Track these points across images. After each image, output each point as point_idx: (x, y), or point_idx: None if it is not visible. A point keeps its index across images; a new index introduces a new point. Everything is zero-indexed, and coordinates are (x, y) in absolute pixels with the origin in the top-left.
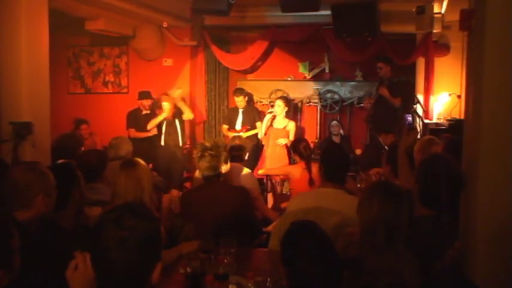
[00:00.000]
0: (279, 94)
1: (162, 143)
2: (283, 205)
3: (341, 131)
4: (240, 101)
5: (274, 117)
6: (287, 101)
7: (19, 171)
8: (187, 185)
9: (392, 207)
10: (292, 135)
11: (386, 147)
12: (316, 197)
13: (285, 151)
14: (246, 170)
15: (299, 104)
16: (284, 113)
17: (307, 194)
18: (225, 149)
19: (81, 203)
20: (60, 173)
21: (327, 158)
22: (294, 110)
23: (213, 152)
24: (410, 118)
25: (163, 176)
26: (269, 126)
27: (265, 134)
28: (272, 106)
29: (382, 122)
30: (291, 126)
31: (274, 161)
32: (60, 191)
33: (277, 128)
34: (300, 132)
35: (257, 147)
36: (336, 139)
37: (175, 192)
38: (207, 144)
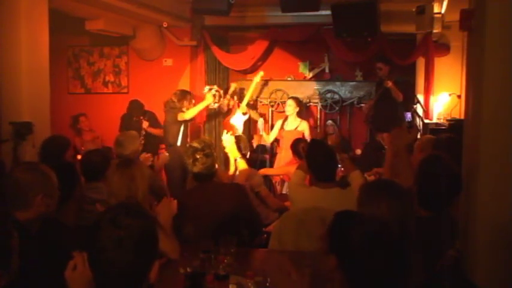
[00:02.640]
0: (279, 94)
1: (179, 143)
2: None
3: (336, 130)
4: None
5: (286, 118)
6: (298, 100)
7: (20, 171)
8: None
9: (400, 206)
10: (308, 136)
11: (386, 147)
12: (315, 197)
13: None
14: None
15: None
16: (296, 114)
17: (306, 194)
18: (214, 147)
19: (80, 202)
20: (60, 172)
21: (312, 160)
22: None
23: (206, 152)
24: (409, 115)
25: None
26: (280, 129)
27: (277, 140)
28: (272, 106)
29: (382, 122)
30: (304, 126)
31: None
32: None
33: (289, 130)
34: (314, 131)
35: None
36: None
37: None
38: (197, 145)
